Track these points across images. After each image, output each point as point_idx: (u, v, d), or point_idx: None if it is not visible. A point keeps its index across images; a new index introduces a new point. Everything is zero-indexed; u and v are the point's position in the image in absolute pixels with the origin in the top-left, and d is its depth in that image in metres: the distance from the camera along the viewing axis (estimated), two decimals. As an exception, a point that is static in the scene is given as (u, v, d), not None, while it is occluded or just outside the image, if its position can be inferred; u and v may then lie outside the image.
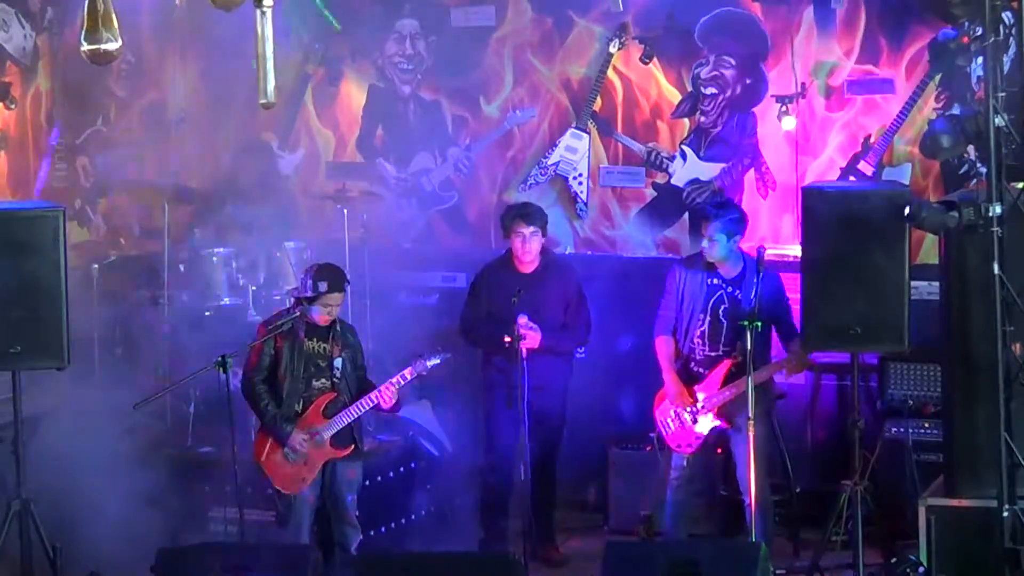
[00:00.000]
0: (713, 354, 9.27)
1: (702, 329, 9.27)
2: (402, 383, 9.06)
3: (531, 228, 9.56)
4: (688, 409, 9.23)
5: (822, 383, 10.33)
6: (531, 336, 9.34)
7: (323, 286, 8.96)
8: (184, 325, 10.84)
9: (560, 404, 9.76)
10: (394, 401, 9.06)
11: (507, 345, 9.26)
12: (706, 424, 9.23)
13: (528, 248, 9.58)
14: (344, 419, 9.01)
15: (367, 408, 9.05)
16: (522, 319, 9.29)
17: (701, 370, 9.30)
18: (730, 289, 9.24)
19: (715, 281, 9.27)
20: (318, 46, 11.98)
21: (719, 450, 9.51)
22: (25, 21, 12.44)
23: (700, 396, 9.23)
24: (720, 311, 9.23)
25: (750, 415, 8.78)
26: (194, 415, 10.40)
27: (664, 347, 9.38)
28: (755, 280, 8.95)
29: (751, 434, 8.81)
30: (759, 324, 8.79)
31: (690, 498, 9.45)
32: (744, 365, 9.09)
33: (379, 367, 9.75)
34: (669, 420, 9.31)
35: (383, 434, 10.35)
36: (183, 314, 10.89)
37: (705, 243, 9.24)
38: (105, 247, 11.89)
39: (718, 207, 9.34)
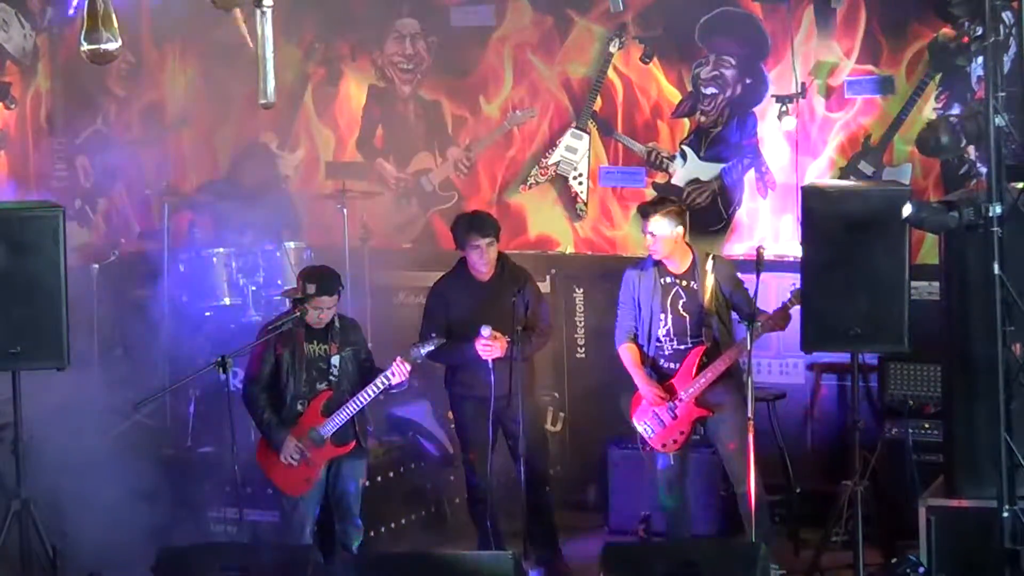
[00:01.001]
0: (682, 347, 9.30)
1: (666, 328, 9.30)
2: (392, 376, 9.01)
3: (487, 239, 9.39)
4: (667, 405, 9.24)
5: (822, 383, 10.34)
6: (497, 346, 9.20)
7: (311, 288, 8.95)
8: (184, 325, 10.84)
9: (527, 406, 9.46)
10: (407, 376, 9.00)
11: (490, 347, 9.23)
12: (687, 416, 9.23)
13: (486, 259, 9.41)
14: (345, 414, 8.99)
15: (376, 394, 9.00)
16: (485, 331, 9.18)
17: (671, 365, 9.32)
18: (684, 283, 9.29)
19: (668, 280, 9.31)
20: (318, 46, 11.99)
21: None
22: (25, 21, 12.44)
23: (677, 391, 9.24)
24: (679, 306, 9.28)
25: (750, 415, 8.80)
26: (194, 415, 10.40)
27: (629, 353, 9.37)
28: (755, 279, 8.99)
29: (751, 435, 8.82)
30: (751, 321, 8.84)
31: (685, 499, 9.45)
32: (714, 351, 9.20)
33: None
34: (647, 423, 9.30)
35: (383, 434, 10.36)
36: (183, 314, 10.88)
37: (649, 240, 9.26)
38: (105, 247, 11.88)
39: (653, 203, 9.40)
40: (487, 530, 9.60)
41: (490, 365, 9.19)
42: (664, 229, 9.21)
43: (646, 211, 9.33)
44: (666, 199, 9.62)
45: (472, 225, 9.46)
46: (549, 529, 9.70)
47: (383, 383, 8.99)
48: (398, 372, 8.97)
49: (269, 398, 9.03)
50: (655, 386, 9.26)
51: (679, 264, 9.32)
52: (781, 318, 8.99)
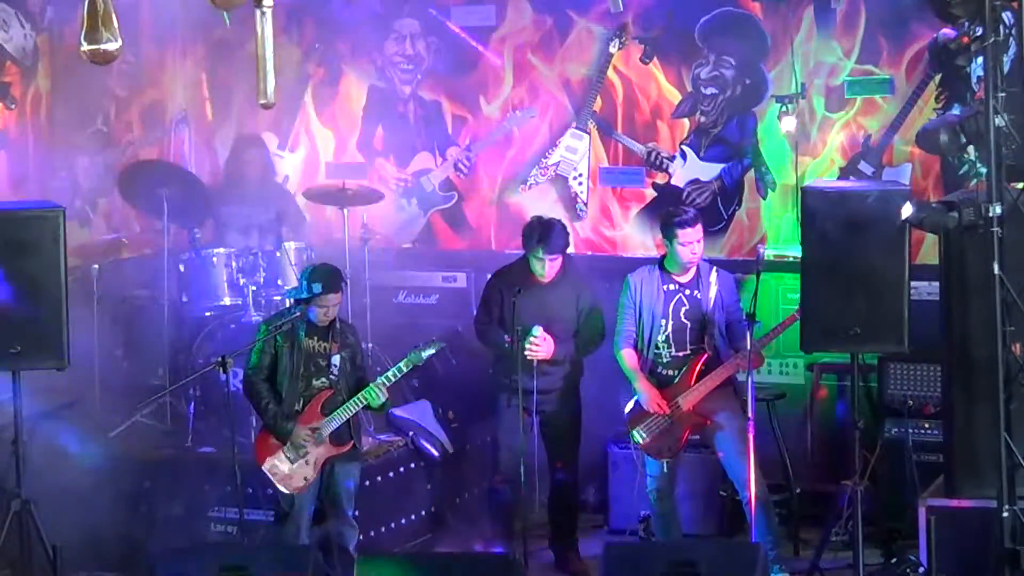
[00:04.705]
0: (681, 354, 9.32)
1: (666, 334, 9.32)
2: (398, 376, 9.06)
3: (552, 256, 9.44)
4: (666, 412, 9.22)
5: (822, 383, 10.34)
6: (544, 347, 9.34)
7: (318, 287, 8.97)
8: (184, 325, 10.84)
9: (569, 405, 9.68)
10: (384, 398, 9.06)
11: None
12: (685, 424, 9.23)
13: (547, 272, 9.48)
14: (342, 416, 9.02)
15: (359, 407, 9.06)
16: (537, 331, 9.30)
17: (670, 372, 9.34)
18: (687, 292, 9.32)
19: (672, 287, 9.32)
20: (318, 46, 11.99)
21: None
22: (25, 21, 12.43)
23: (676, 397, 9.23)
24: (682, 313, 9.30)
25: (750, 415, 8.82)
26: (194, 415, 10.40)
27: (629, 359, 9.39)
28: (756, 279, 9.00)
29: (751, 435, 8.84)
30: (751, 319, 8.87)
31: (676, 503, 9.47)
32: (713, 360, 9.19)
33: (379, 367, 9.77)
34: (642, 430, 9.29)
35: (383, 434, 10.36)
36: (183, 314, 10.88)
37: (697, 249, 9.24)
38: (105, 247, 11.88)
39: (695, 211, 9.42)
40: (500, 531, 9.60)
41: (535, 364, 9.31)
42: (702, 235, 9.30)
43: (693, 219, 9.30)
44: (691, 207, 9.69)
45: (542, 239, 9.45)
46: (570, 520, 9.80)
47: (363, 401, 9.04)
48: (380, 396, 9.02)
49: (270, 389, 9.05)
50: (656, 392, 9.26)
51: (684, 272, 9.32)
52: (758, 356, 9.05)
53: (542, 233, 9.48)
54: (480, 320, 9.76)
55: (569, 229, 11.26)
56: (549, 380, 9.50)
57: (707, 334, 9.26)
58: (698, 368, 9.23)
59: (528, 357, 9.32)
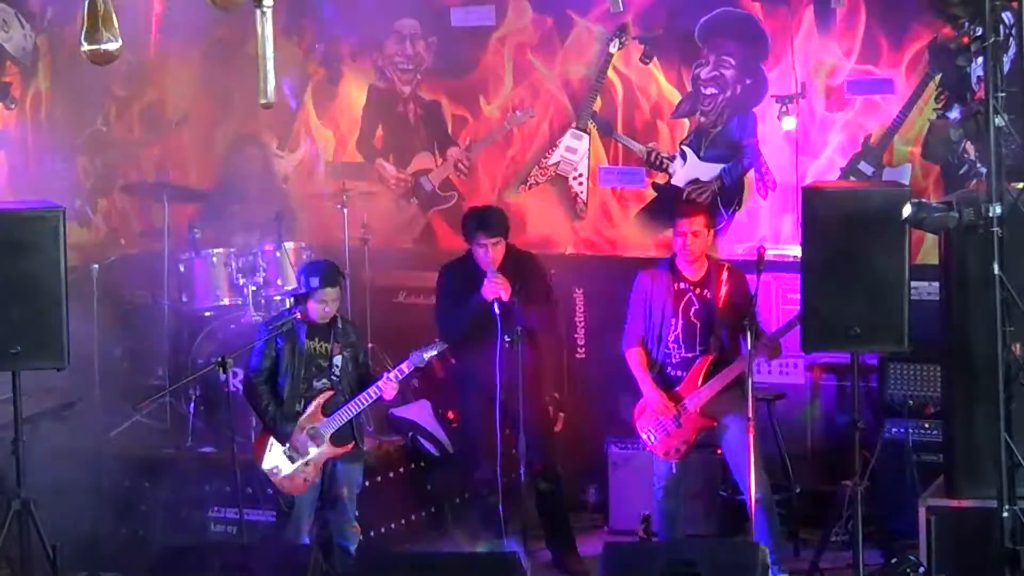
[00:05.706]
0: (690, 355, 9.30)
1: (676, 333, 9.30)
2: (400, 376, 9.07)
3: (494, 240, 9.43)
4: (672, 414, 9.22)
5: (822, 383, 10.34)
6: (501, 286, 9.21)
7: (315, 281, 8.98)
8: (184, 325, 10.84)
9: (537, 400, 9.60)
10: (395, 393, 9.07)
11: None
12: (692, 426, 9.23)
13: (491, 258, 9.41)
14: (343, 416, 9.02)
15: (368, 403, 9.07)
16: (497, 276, 9.21)
17: (679, 373, 9.31)
18: (698, 291, 9.30)
19: (682, 285, 9.31)
20: (318, 46, 11.99)
21: (718, 450, 9.52)
22: (25, 21, 12.44)
23: (683, 399, 9.23)
24: (691, 313, 9.28)
25: (750, 415, 8.81)
26: (194, 415, 10.40)
27: (635, 358, 9.36)
28: (756, 279, 8.99)
29: (751, 435, 8.83)
30: (751, 321, 8.88)
31: (681, 503, 9.45)
32: (721, 361, 9.16)
33: (379, 368, 9.75)
34: (651, 430, 9.28)
35: (383, 434, 10.36)
36: (183, 314, 10.89)
37: (689, 240, 9.23)
38: (105, 247, 11.88)
39: (695, 203, 9.44)
40: (493, 530, 9.61)
41: (497, 352, 9.15)
42: (705, 230, 9.25)
43: (691, 210, 9.32)
44: (699, 202, 9.67)
45: (481, 224, 9.47)
46: (562, 523, 9.77)
47: (374, 394, 9.03)
48: (387, 390, 9.01)
49: (271, 391, 9.05)
50: (661, 394, 9.25)
51: (695, 271, 9.31)
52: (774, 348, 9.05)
53: (481, 218, 9.53)
54: (442, 315, 9.60)
55: (568, 229, 11.33)
56: (507, 376, 9.22)
57: (714, 335, 9.24)
58: (704, 369, 9.21)
59: (487, 295, 9.18)
